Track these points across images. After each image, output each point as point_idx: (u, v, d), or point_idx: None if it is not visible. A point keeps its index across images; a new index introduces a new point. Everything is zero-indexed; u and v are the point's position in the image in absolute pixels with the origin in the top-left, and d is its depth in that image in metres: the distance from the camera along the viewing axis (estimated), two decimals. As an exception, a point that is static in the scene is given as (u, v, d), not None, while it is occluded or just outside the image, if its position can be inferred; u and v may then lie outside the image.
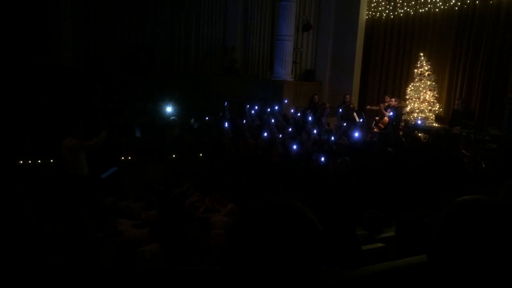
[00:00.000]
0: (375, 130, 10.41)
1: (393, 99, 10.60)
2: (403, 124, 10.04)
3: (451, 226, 1.13)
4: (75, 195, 5.59)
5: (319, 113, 10.56)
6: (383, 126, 10.36)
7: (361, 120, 10.21)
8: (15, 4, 12.37)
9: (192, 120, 9.63)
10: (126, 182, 7.01)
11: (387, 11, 11.85)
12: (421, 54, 10.37)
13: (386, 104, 10.58)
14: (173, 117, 9.45)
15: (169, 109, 9.86)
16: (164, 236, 4.40)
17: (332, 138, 7.53)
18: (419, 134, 9.56)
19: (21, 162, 6.74)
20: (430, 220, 2.85)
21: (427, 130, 9.38)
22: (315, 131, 7.79)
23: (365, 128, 10.77)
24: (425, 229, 2.76)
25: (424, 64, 10.20)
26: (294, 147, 6.80)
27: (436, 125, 9.17)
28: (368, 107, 11.26)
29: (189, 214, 5.78)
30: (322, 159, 6.13)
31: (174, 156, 8.04)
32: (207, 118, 9.67)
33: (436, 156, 5.34)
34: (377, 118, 10.70)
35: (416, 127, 9.66)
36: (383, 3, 11.91)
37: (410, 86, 10.43)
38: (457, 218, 1.13)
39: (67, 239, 4.43)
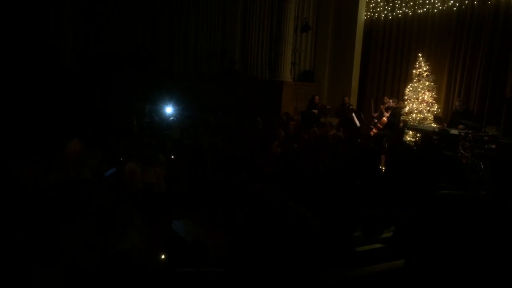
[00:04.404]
0: (374, 130, 10.43)
1: (391, 100, 10.63)
2: (401, 124, 10.05)
3: (423, 219, 1.16)
4: (73, 199, 5.54)
5: (319, 113, 10.59)
6: (381, 127, 10.37)
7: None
8: (15, 5, 12.37)
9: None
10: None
11: (385, 12, 11.87)
12: (420, 54, 10.39)
13: (386, 105, 10.60)
14: (172, 118, 9.45)
15: (168, 109, 9.86)
16: None
17: None
18: (417, 135, 9.59)
19: (20, 163, 6.71)
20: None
21: (423, 131, 9.37)
22: None
23: (364, 129, 10.78)
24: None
25: (423, 65, 10.21)
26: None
27: (434, 125, 9.19)
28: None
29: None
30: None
31: (173, 157, 8.03)
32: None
33: (431, 156, 5.34)
34: (375, 120, 10.71)
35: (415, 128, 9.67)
36: (381, 3, 11.93)
37: (409, 86, 10.44)
38: (430, 212, 1.15)
39: (67, 240, 4.43)
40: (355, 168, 5.43)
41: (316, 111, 10.62)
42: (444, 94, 10.52)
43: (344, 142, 7.10)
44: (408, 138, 10.18)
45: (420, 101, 10.06)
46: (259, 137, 7.62)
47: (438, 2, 10.58)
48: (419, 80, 10.20)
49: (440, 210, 1.16)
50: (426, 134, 8.39)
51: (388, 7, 11.80)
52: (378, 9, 12.02)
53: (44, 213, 4.81)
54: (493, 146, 7.83)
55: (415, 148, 8.12)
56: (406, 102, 10.38)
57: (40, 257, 3.67)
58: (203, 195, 5.80)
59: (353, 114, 10.39)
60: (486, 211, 1.12)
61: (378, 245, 3.24)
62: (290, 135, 7.67)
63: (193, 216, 5.48)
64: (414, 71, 10.39)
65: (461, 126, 8.51)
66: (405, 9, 11.37)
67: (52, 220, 4.62)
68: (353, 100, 11.93)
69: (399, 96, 10.99)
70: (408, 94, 10.37)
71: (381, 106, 10.79)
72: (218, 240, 3.97)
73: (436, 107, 10.09)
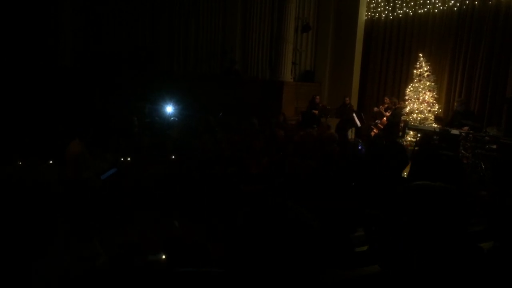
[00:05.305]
0: (375, 130, 10.43)
1: (391, 100, 10.63)
2: (402, 125, 10.05)
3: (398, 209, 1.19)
4: (69, 201, 5.51)
5: (319, 114, 10.57)
6: (382, 127, 10.37)
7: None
8: (15, 5, 12.37)
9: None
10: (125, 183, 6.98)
11: (386, 12, 11.87)
12: (420, 54, 10.39)
13: (386, 105, 10.60)
14: (173, 118, 9.44)
15: (168, 109, 9.86)
16: None
17: None
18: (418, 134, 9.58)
19: (20, 163, 6.72)
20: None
21: (423, 131, 9.36)
22: None
23: (364, 129, 10.78)
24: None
25: (424, 65, 10.21)
26: None
27: (435, 125, 9.18)
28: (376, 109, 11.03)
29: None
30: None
31: (173, 157, 8.02)
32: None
33: (431, 156, 5.30)
34: (377, 121, 10.71)
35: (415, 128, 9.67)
36: (382, 3, 11.92)
37: (410, 86, 10.44)
38: (404, 201, 1.18)
39: (66, 241, 4.43)
40: (349, 168, 5.41)
41: (316, 111, 10.61)
42: (444, 94, 10.52)
43: (338, 142, 7.07)
44: (409, 138, 10.18)
45: (421, 101, 10.06)
46: (253, 137, 7.57)
47: (438, 2, 10.58)
48: (419, 80, 10.19)
49: (409, 200, 1.20)
50: (426, 134, 8.38)
51: (388, 7, 11.79)
52: (379, 9, 12.01)
53: (43, 212, 4.80)
54: (494, 146, 7.82)
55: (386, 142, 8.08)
56: (407, 102, 10.37)
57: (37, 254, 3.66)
58: (198, 195, 5.78)
59: (354, 114, 10.39)
60: (456, 200, 1.17)
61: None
62: (278, 143, 7.55)
63: (192, 216, 5.47)
64: (414, 71, 10.39)
65: (466, 128, 8.43)
66: (406, 9, 11.37)
67: (51, 219, 4.61)
68: (353, 101, 11.93)
69: (400, 96, 10.98)
70: (409, 94, 10.37)
71: (380, 106, 10.79)
72: (217, 240, 3.97)
73: (437, 107, 10.09)
